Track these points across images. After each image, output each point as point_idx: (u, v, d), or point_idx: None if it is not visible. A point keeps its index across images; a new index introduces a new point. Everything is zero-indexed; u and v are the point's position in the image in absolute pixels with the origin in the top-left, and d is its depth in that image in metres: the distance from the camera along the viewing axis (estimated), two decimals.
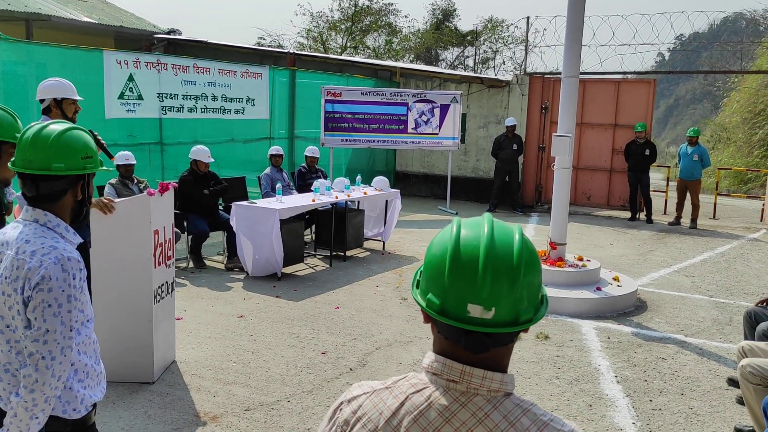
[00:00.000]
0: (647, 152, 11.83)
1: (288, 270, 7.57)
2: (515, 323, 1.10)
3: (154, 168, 8.91)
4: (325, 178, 9.32)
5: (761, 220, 12.27)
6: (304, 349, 5.25)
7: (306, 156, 9.41)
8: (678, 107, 64.13)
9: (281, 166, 8.97)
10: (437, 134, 12.37)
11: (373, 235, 9.30)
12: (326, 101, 11.52)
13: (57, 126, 2.02)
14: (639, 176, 11.92)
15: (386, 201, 9.12)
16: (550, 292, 6.54)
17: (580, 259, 7.21)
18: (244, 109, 10.21)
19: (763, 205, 12.33)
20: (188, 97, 9.21)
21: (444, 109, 12.32)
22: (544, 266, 6.92)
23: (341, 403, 1.24)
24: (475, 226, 1.14)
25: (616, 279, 7.06)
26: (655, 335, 5.87)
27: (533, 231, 10.94)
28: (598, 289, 6.69)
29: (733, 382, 4.72)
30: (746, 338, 4.71)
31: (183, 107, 9.17)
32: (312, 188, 8.27)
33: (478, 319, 1.08)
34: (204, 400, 4.29)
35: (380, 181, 9.26)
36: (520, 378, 4.79)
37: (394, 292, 7.01)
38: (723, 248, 9.92)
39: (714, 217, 12.84)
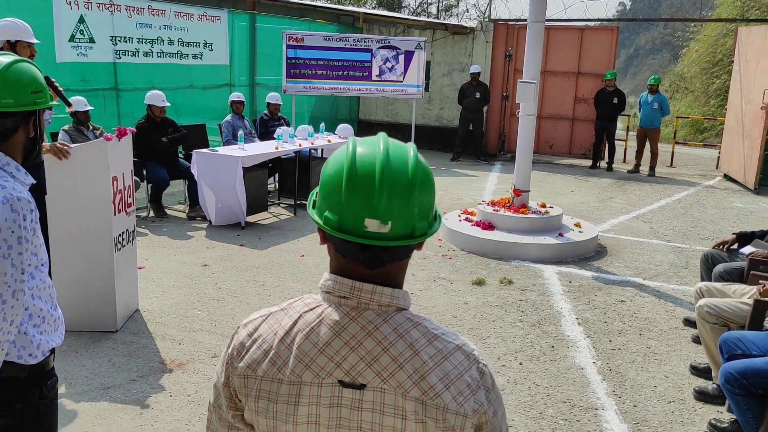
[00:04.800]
0: (615, 100, 11.89)
1: (252, 219, 7.48)
2: (411, 236, 1.12)
3: (109, 114, 8.59)
4: (288, 125, 9.15)
5: (717, 168, 12.56)
6: (270, 296, 5.23)
7: (268, 103, 9.20)
8: (638, 57, 64.60)
9: (243, 114, 8.76)
10: (401, 81, 12.20)
11: None
12: (288, 47, 11.22)
13: (1, 59, 1.89)
14: (606, 125, 11.99)
15: None
16: (513, 238, 6.63)
17: (543, 206, 7.30)
18: (202, 54, 9.88)
19: (719, 153, 12.60)
20: (143, 40, 8.85)
21: (408, 55, 12.12)
22: (507, 213, 6.99)
23: (238, 328, 1.25)
24: (371, 144, 1.14)
25: (577, 225, 7.18)
26: (614, 279, 6.02)
27: (496, 179, 11.01)
28: (560, 235, 6.80)
29: (688, 322, 4.89)
30: (703, 280, 4.84)
31: (138, 51, 8.82)
32: (275, 136, 8.12)
33: (375, 233, 1.09)
34: (169, 347, 4.26)
35: (344, 128, 9.16)
36: (485, 321, 4.87)
37: None
38: (680, 195, 10.16)
39: (671, 165, 13.10)
